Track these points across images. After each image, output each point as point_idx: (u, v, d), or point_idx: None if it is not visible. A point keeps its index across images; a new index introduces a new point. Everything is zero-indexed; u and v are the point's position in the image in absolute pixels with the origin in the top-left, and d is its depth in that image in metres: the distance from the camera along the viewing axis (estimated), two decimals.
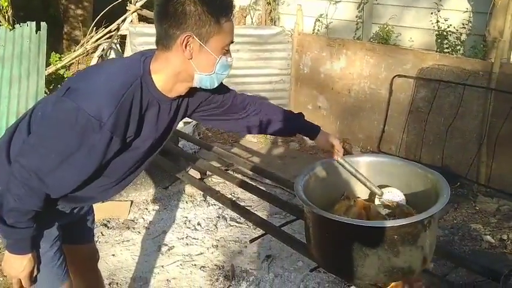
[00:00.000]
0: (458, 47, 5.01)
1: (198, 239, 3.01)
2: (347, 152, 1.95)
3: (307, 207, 1.70)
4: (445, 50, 4.87)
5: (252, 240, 2.12)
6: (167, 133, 1.58)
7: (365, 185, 1.87)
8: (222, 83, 1.63)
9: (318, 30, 5.72)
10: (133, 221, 3.23)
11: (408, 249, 1.61)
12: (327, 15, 5.62)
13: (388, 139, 4.43)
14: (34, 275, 1.52)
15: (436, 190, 1.80)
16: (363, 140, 4.63)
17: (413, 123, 4.21)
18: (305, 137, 1.97)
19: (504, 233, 3.07)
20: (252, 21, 6.31)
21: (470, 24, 4.76)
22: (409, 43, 4.95)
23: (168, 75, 1.39)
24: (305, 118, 1.89)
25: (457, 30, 4.79)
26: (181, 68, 1.38)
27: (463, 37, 4.84)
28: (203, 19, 1.31)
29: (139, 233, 3.09)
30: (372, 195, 1.96)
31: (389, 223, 1.61)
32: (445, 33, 4.88)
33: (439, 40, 5.09)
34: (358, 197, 2.04)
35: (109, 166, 1.46)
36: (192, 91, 1.51)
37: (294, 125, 1.86)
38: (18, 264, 1.46)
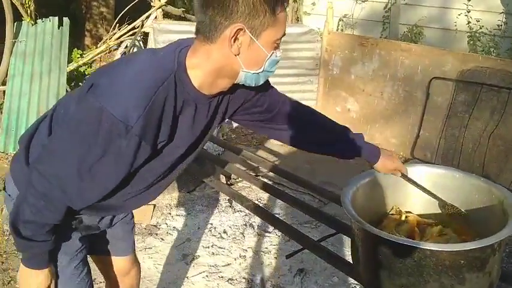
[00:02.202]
0: (492, 49, 4.80)
1: (224, 248, 2.83)
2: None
3: (357, 224, 1.51)
4: (479, 52, 4.66)
5: (288, 256, 1.93)
6: (203, 137, 1.37)
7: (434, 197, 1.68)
8: (270, 84, 1.46)
9: (342, 30, 5.52)
10: (156, 226, 3.06)
11: (475, 275, 1.41)
12: (352, 14, 5.43)
13: (423, 145, 4.20)
14: None
15: (503, 208, 1.59)
16: (395, 146, 4.40)
17: (451, 128, 3.97)
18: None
19: None
20: None
21: (504, 26, 4.54)
22: (438, 45, 4.73)
23: (207, 71, 1.19)
24: (364, 139, 1.65)
25: (490, 31, 4.58)
26: (224, 64, 1.17)
27: (497, 39, 4.62)
28: (258, 8, 1.10)
29: (163, 239, 2.92)
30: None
31: (457, 247, 1.41)
32: (477, 34, 4.68)
33: (471, 42, 4.90)
34: (409, 212, 1.85)
35: (137, 174, 1.28)
36: (234, 88, 1.31)
37: (353, 147, 1.61)
38: (34, 280, 1.31)
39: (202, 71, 1.18)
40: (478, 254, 1.40)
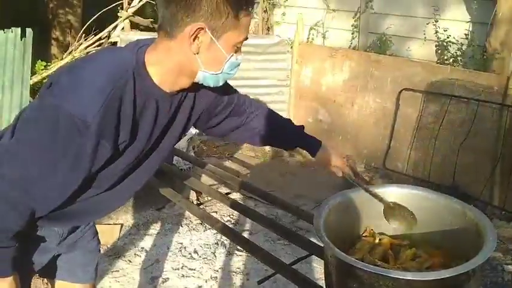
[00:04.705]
0: (459, 58, 4.86)
1: (195, 269, 2.74)
2: (352, 170, 1.74)
3: (332, 252, 1.45)
4: (446, 62, 4.71)
5: (260, 282, 1.86)
6: (164, 135, 1.31)
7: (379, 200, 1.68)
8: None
9: (313, 39, 5.51)
10: (123, 247, 2.94)
11: None
12: (323, 24, 5.42)
13: (394, 155, 4.21)
14: None
15: (478, 231, 1.56)
16: (367, 156, 4.40)
17: (421, 139, 3.99)
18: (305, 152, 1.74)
19: None
20: None
21: (471, 35, 4.60)
22: (406, 53, 4.77)
23: (167, 68, 1.18)
24: (305, 130, 1.70)
25: (458, 40, 4.64)
26: (183, 62, 1.17)
27: (464, 48, 4.68)
28: (221, 10, 1.11)
29: (130, 261, 2.81)
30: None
31: (432, 275, 1.37)
32: (445, 43, 4.73)
33: (439, 51, 4.95)
34: (382, 233, 1.81)
35: (101, 174, 1.23)
36: (198, 86, 1.30)
37: (295, 138, 1.67)
38: None
39: (162, 67, 1.18)
40: (453, 281, 1.36)
